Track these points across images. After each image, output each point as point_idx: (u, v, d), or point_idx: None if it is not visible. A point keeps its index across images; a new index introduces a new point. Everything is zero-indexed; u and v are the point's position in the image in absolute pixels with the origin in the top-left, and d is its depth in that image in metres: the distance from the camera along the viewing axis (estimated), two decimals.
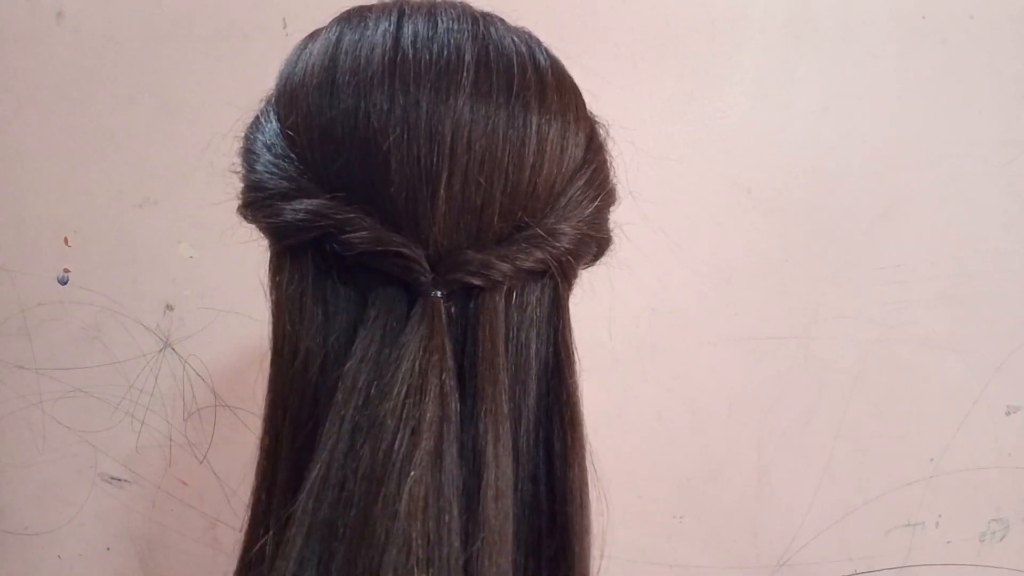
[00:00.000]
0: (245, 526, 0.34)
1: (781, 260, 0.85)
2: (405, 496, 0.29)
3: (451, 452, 0.31)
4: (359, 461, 0.30)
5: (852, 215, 0.85)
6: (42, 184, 0.84)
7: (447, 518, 0.30)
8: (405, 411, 0.30)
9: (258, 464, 0.34)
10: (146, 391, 0.86)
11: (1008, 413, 0.87)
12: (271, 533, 0.32)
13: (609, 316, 0.83)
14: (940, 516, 0.88)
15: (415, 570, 0.28)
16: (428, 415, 0.30)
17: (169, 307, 0.85)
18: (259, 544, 0.32)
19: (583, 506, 0.35)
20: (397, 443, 0.30)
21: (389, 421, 0.30)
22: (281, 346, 0.34)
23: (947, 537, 0.88)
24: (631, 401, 0.86)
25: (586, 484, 0.36)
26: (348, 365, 0.32)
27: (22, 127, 0.83)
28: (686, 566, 0.88)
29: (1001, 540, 0.89)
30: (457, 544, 0.30)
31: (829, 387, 0.87)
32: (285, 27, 0.82)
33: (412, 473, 0.29)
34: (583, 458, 0.36)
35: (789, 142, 0.84)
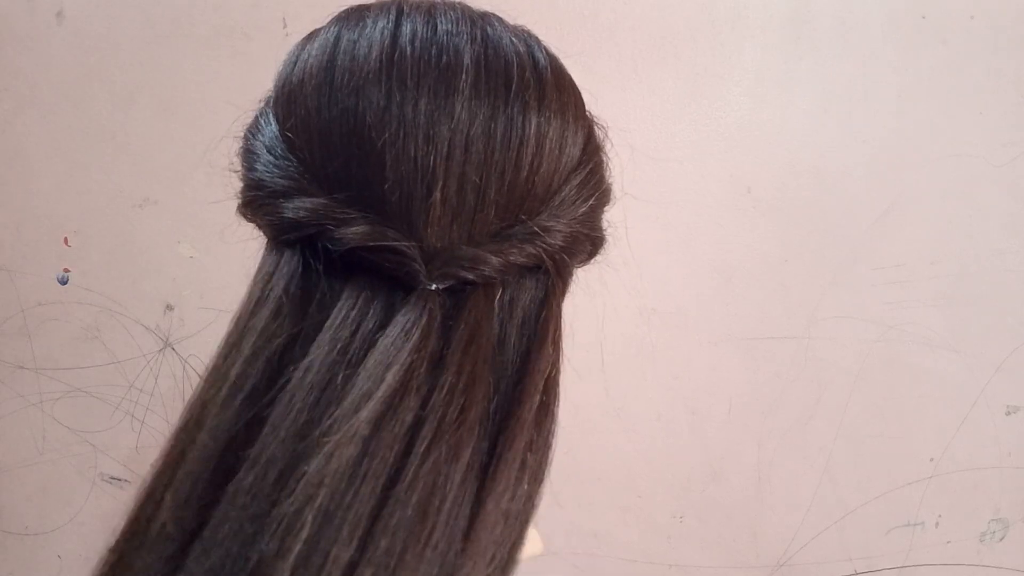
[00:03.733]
0: (141, 497, 0.34)
1: (781, 260, 0.85)
2: (326, 450, 0.29)
3: (399, 421, 0.30)
4: (306, 421, 0.30)
5: (852, 215, 0.85)
6: (42, 184, 0.84)
7: (362, 488, 0.29)
8: (363, 383, 0.30)
9: (178, 432, 0.34)
10: (146, 391, 0.86)
11: (1008, 413, 0.87)
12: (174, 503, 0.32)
13: (610, 316, 0.83)
14: (940, 516, 0.88)
15: (308, 520, 0.28)
16: (384, 386, 0.30)
17: (169, 307, 0.85)
18: (151, 515, 0.32)
19: (519, 507, 0.32)
20: (341, 407, 0.30)
21: (344, 391, 0.30)
22: (242, 332, 0.34)
23: (947, 537, 0.88)
24: (631, 401, 0.86)
25: (523, 481, 0.33)
26: (316, 350, 0.32)
27: (22, 127, 0.83)
28: (686, 566, 0.88)
29: (1001, 540, 0.89)
30: (364, 512, 0.29)
31: (829, 387, 0.87)
32: (285, 27, 0.82)
33: (342, 430, 0.29)
34: (543, 447, 0.34)
35: (789, 142, 0.84)
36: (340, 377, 0.31)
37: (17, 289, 0.85)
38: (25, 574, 0.88)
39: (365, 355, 0.31)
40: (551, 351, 0.36)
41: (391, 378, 0.30)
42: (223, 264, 0.84)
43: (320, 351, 0.31)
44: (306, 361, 0.31)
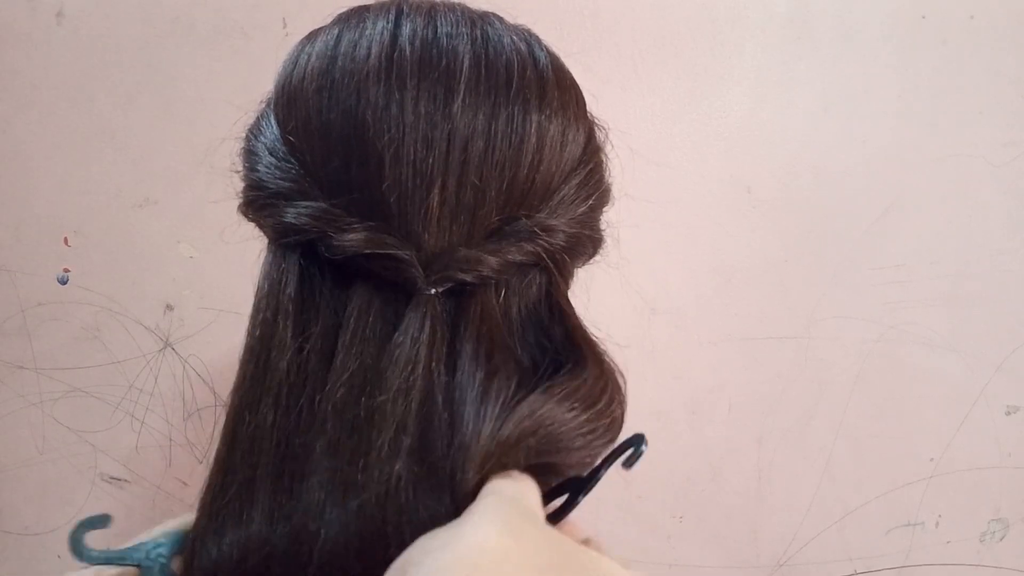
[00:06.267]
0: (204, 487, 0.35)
1: (781, 260, 0.85)
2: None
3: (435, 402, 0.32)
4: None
5: (852, 215, 0.85)
6: (42, 184, 0.84)
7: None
8: (396, 403, 0.31)
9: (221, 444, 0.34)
10: (146, 391, 0.86)
11: (1008, 413, 0.87)
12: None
13: (609, 316, 0.83)
14: (940, 516, 0.88)
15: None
16: (415, 397, 0.31)
17: (169, 307, 0.85)
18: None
19: None
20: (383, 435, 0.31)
21: (378, 412, 0.31)
22: (257, 340, 0.34)
23: (947, 537, 0.88)
24: (631, 401, 0.86)
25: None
26: (337, 359, 0.32)
27: (22, 127, 0.83)
28: (686, 566, 0.88)
29: (1001, 540, 0.89)
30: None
31: (829, 387, 0.87)
32: (285, 27, 0.82)
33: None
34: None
35: (789, 142, 0.84)
36: (370, 390, 0.32)
37: (17, 289, 0.85)
38: (25, 574, 0.88)
39: (389, 361, 0.32)
40: (568, 329, 0.36)
41: (417, 384, 0.31)
42: (223, 264, 0.84)
43: (346, 366, 0.32)
44: (335, 379, 0.32)
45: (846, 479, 0.88)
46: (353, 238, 0.32)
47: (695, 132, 0.84)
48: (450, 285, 0.33)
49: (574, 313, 0.37)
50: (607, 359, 0.36)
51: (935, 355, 0.87)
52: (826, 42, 0.83)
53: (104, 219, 0.84)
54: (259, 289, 0.36)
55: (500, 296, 0.34)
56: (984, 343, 0.87)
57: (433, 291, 0.33)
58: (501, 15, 0.38)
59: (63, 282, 0.85)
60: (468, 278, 0.33)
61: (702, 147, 0.84)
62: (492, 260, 0.33)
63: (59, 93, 0.83)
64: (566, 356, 0.34)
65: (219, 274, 0.84)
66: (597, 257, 0.42)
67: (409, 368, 0.31)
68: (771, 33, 0.83)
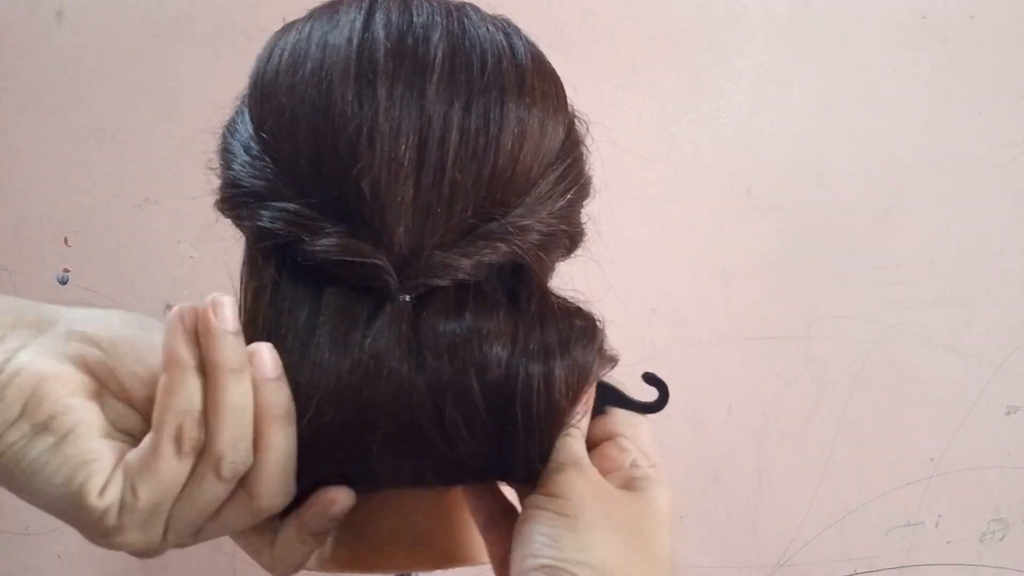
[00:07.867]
0: None
1: (781, 260, 0.85)
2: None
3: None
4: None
5: (852, 215, 0.85)
6: (42, 184, 0.84)
7: None
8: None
9: None
10: None
11: (1008, 413, 0.87)
12: None
13: (609, 317, 0.83)
14: (940, 516, 0.88)
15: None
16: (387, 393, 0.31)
17: (169, 307, 0.85)
18: None
19: None
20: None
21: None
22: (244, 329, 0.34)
23: (947, 537, 0.88)
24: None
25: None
26: (309, 359, 0.32)
27: (22, 127, 0.83)
28: (686, 566, 0.88)
29: (1001, 540, 0.89)
30: None
31: (829, 387, 0.87)
32: None
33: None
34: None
35: (789, 142, 0.84)
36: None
37: (17, 289, 0.85)
38: (25, 574, 0.88)
39: (353, 369, 0.31)
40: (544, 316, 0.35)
41: (388, 383, 0.31)
42: (223, 264, 0.84)
43: (316, 358, 0.32)
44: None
45: (846, 479, 0.87)
46: (326, 243, 0.32)
47: (695, 132, 0.84)
48: (423, 291, 0.33)
49: (554, 306, 0.35)
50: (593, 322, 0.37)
51: (935, 355, 0.86)
52: (826, 42, 0.83)
53: (104, 219, 0.84)
54: (242, 289, 0.36)
55: (470, 295, 0.34)
56: (984, 343, 0.87)
57: (406, 298, 0.32)
58: (498, 12, 0.38)
59: (63, 282, 0.85)
60: (441, 282, 0.33)
61: (702, 147, 0.84)
62: (466, 263, 0.33)
63: (59, 93, 0.83)
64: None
65: (219, 274, 0.84)
66: (577, 251, 0.41)
67: (376, 376, 0.31)
68: (771, 33, 0.83)
